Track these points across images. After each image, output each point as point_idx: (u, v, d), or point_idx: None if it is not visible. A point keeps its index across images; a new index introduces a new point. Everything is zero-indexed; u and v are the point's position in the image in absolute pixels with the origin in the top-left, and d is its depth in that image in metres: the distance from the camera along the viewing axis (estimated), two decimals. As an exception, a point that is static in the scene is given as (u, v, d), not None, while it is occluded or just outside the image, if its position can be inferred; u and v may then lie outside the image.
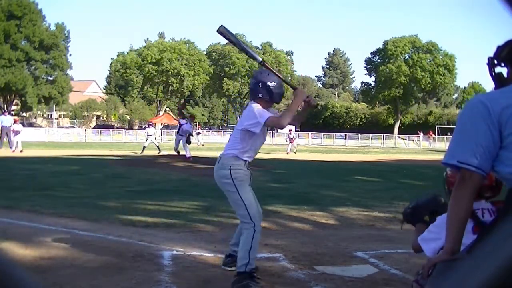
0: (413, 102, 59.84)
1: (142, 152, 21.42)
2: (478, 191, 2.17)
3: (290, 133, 28.04)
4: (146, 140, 23.04)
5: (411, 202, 2.80)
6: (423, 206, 2.71)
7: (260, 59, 3.77)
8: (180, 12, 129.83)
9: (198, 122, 59.52)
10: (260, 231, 3.70)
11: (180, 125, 18.09)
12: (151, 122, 30.57)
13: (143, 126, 57.91)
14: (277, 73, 3.91)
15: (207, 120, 71.60)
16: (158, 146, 22.56)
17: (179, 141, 17.49)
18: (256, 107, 3.72)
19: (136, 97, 59.40)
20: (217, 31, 3.76)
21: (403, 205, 8.17)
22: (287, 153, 25.85)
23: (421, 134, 47.99)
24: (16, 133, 20.99)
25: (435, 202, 2.69)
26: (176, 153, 17.34)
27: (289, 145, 27.35)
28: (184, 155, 16.68)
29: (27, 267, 3.78)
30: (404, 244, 5.09)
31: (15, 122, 21.84)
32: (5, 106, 44.83)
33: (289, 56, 60.89)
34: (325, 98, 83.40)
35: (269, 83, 3.78)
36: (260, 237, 3.69)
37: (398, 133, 53.93)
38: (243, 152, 3.78)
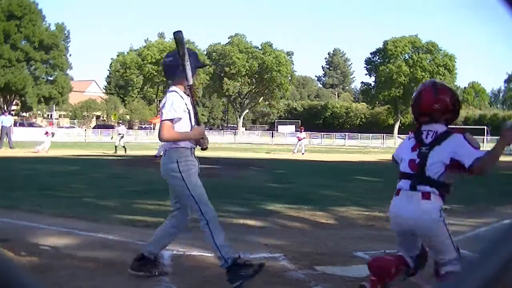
0: (413, 102, 59.76)
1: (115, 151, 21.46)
2: (430, 114, 2.90)
3: (301, 132, 27.82)
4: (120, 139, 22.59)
5: None
6: None
7: (190, 83, 3.60)
8: (180, 12, 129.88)
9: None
10: (216, 223, 3.60)
11: None
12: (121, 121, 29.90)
13: (143, 126, 57.99)
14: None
15: (207, 120, 71.56)
16: (116, 147, 22.09)
17: None
18: (171, 97, 3.60)
19: (136, 97, 59.41)
20: (174, 36, 3.52)
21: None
22: (293, 153, 25.70)
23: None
24: (51, 134, 21.55)
25: None
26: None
27: (297, 145, 26.96)
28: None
29: (27, 267, 3.78)
30: (404, 244, 5.09)
31: (50, 125, 22.23)
32: (5, 106, 44.82)
33: (289, 56, 60.83)
34: (325, 98, 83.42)
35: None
36: (218, 227, 3.59)
37: (398, 133, 53.93)
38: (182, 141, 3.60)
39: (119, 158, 18.11)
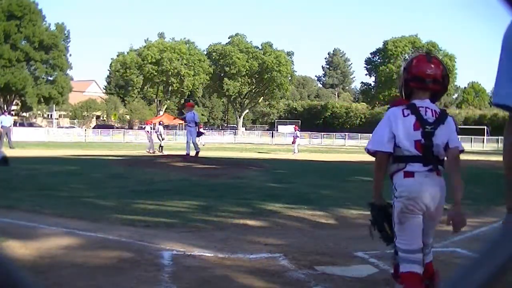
0: (413, 102, 59.82)
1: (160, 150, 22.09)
2: (422, 79, 2.77)
3: (295, 132, 27.95)
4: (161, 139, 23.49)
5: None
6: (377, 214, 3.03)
7: None
8: (180, 12, 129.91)
9: (199, 122, 59.45)
10: None
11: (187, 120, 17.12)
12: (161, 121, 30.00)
13: (143, 126, 58.01)
14: None
15: (207, 120, 71.57)
16: (162, 146, 22.87)
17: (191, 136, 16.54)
18: None
19: (136, 97, 59.41)
20: None
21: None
22: (294, 153, 25.74)
23: None
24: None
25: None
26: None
27: (296, 144, 27.11)
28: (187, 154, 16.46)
29: (27, 267, 3.78)
30: (404, 244, 5.09)
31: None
32: (5, 106, 44.83)
33: (289, 56, 60.84)
34: (325, 98, 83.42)
35: None
36: None
37: (398, 133, 53.94)
38: None
39: (119, 158, 18.11)
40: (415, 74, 2.79)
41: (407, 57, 55.99)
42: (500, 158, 2.73)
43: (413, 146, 2.71)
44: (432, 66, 2.78)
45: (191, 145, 16.45)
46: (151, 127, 25.78)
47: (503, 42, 2.19)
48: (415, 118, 2.73)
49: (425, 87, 2.78)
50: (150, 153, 21.72)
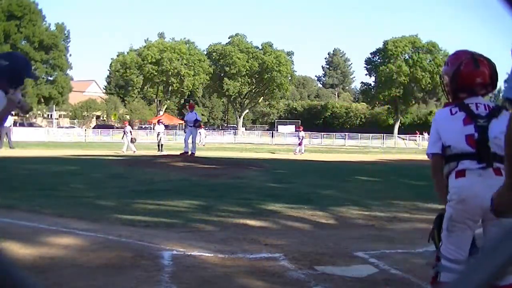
0: (413, 102, 59.83)
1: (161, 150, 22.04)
2: (471, 89, 2.58)
3: (299, 132, 28.03)
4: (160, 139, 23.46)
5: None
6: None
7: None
8: (180, 12, 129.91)
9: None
10: None
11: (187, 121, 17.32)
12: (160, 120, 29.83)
13: (143, 126, 57.99)
14: None
15: (207, 120, 71.57)
16: (161, 145, 22.81)
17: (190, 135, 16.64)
18: None
19: (136, 97, 59.40)
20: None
21: (403, 205, 8.19)
22: (302, 153, 25.83)
23: (426, 134, 47.88)
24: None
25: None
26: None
27: (300, 146, 27.16)
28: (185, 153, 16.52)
29: (27, 267, 3.78)
30: (404, 244, 5.09)
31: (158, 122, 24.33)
32: (5, 106, 44.80)
33: (289, 56, 60.83)
34: (325, 98, 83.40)
35: None
36: None
37: (398, 133, 53.94)
38: None
39: (119, 158, 18.11)
40: (464, 85, 2.61)
41: (407, 57, 56.06)
42: None
43: (464, 142, 2.49)
44: (480, 72, 2.59)
45: (190, 144, 16.57)
46: (130, 128, 25.45)
47: None
48: (464, 114, 2.54)
49: (475, 93, 2.61)
50: (124, 152, 21.59)
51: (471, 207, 2.40)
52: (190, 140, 16.47)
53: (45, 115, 64.10)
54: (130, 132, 23.60)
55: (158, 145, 23.39)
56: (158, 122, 26.36)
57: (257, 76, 59.11)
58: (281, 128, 60.38)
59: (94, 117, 65.64)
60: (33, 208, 6.46)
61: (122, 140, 23.47)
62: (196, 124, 16.87)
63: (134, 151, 22.13)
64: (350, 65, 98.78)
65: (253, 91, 61.80)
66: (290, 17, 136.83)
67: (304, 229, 5.88)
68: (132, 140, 22.96)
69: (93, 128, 52.46)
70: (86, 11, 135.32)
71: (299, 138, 27.52)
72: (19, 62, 3.49)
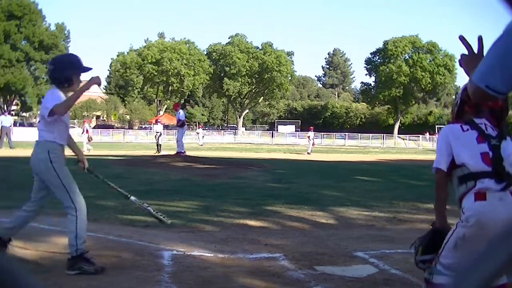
0: (413, 102, 59.83)
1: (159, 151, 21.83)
2: (478, 111, 2.57)
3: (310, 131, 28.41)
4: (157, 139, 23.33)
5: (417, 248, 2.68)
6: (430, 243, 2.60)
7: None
8: (180, 12, 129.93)
9: (199, 122, 59.50)
10: (85, 214, 3.94)
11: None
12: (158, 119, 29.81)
13: (143, 126, 58.00)
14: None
15: (207, 120, 71.56)
16: (159, 145, 22.72)
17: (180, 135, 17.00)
18: (53, 92, 3.86)
19: (136, 97, 59.42)
20: None
21: (403, 205, 8.19)
22: (309, 153, 26.09)
23: (427, 134, 47.90)
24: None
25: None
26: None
27: (310, 144, 27.68)
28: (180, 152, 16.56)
29: (27, 267, 3.78)
30: (404, 244, 5.08)
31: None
32: (5, 106, 44.83)
33: (289, 56, 60.82)
34: (325, 98, 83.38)
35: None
36: (85, 221, 3.90)
37: (398, 133, 53.94)
38: (53, 136, 3.87)
39: (119, 158, 18.11)
40: (474, 105, 2.55)
41: (407, 57, 56.06)
42: None
43: (480, 160, 2.42)
44: None
45: (180, 143, 16.92)
46: (89, 126, 25.21)
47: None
48: (477, 133, 2.48)
49: (480, 115, 2.57)
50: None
51: (490, 232, 2.30)
52: (180, 140, 16.84)
53: (45, 115, 64.03)
54: (87, 130, 23.32)
55: (157, 145, 23.37)
56: (156, 122, 26.34)
57: (257, 76, 59.10)
58: (281, 128, 60.37)
59: (94, 117, 65.64)
60: (33, 208, 6.45)
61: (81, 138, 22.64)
62: (178, 123, 17.24)
63: (89, 150, 21.52)
64: (350, 65, 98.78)
65: (253, 91, 61.80)
66: (290, 17, 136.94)
67: (304, 229, 5.88)
68: (89, 139, 22.72)
69: (93, 128, 52.47)
70: (86, 11, 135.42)
71: (310, 138, 27.93)
72: (62, 62, 4.00)
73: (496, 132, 2.50)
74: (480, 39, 1.72)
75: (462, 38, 1.80)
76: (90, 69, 4.09)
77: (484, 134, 2.48)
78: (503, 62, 1.27)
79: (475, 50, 1.74)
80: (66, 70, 3.87)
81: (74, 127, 54.18)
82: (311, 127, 31.41)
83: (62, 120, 3.90)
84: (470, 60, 1.71)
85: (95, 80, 3.85)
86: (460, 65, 1.81)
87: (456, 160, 2.47)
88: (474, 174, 2.41)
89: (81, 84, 3.91)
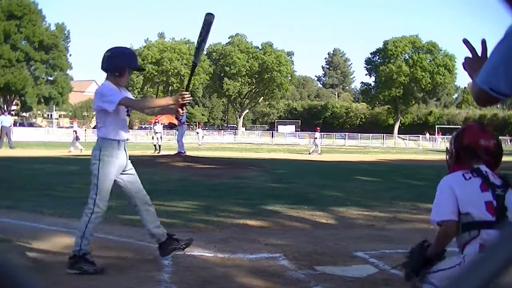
0: (413, 102, 59.87)
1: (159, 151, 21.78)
2: (475, 155, 2.54)
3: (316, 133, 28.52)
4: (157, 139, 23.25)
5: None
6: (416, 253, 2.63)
7: (196, 63, 4.54)
8: (180, 12, 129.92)
9: (199, 122, 59.52)
10: (100, 221, 3.94)
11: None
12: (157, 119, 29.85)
13: (143, 126, 57.97)
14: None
15: (207, 120, 71.57)
16: (159, 146, 22.70)
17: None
18: (108, 84, 3.93)
19: (136, 97, 59.36)
20: (207, 17, 4.16)
21: (403, 205, 8.19)
22: (309, 153, 26.11)
23: (427, 134, 47.92)
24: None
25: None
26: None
27: (313, 146, 27.65)
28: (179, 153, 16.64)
29: (27, 267, 3.78)
30: (404, 244, 5.08)
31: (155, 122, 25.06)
32: (5, 106, 44.84)
33: (289, 56, 60.83)
34: (325, 98, 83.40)
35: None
36: (96, 225, 3.89)
37: (398, 133, 53.96)
38: (108, 131, 3.95)
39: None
40: (467, 145, 2.56)
41: (407, 57, 56.10)
42: (505, 158, 2.72)
43: (484, 209, 2.38)
44: (485, 136, 2.56)
45: (180, 143, 17.16)
46: (77, 127, 25.22)
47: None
48: (480, 180, 2.45)
49: (477, 158, 2.54)
50: (70, 152, 21.25)
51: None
52: (183, 140, 17.09)
53: (45, 115, 64.16)
54: (75, 131, 23.33)
55: (155, 146, 23.29)
56: (155, 122, 26.32)
57: (257, 76, 59.13)
58: (281, 128, 60.40)
59: (94, 117, 65.61)
60: (33, 208, 6.46)
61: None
62: (178, 125, 17.52)
63: (81, 150, 21.50)
64: (350, 65, 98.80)
65: (253, 91, 61.83)
66: (290, 17, 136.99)
67: (304, 229, 5.88)
68: (77, 138, 22.68)
69: (93, 128, 52.45)
70: (86, 11, 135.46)
71: (315, 139, 28.08)
72: (119, 52, 4.05)
73: (500, 181, 2.47)
74: (483, 42, 1.73)
75: (466, 41, 1.80)
76: (144, 69, 4.20)
77: (488, 182, 2.44)
78: (506, 64, 1.28)
79: (479, 53, 1.75)
80: (122, 60, 3.93)
81: (73, 127, 54.26)
82: (318, 128, 31.52)
83: (118, 115, 3.90)
84: (473, 63, 1.71)
85: (179, 102, 3.92)
86: (464, 68, 1.81)
87: (461, 209, 2.44)
88: (478, 223, 2.39)
89: (161, 99, 4.04)
